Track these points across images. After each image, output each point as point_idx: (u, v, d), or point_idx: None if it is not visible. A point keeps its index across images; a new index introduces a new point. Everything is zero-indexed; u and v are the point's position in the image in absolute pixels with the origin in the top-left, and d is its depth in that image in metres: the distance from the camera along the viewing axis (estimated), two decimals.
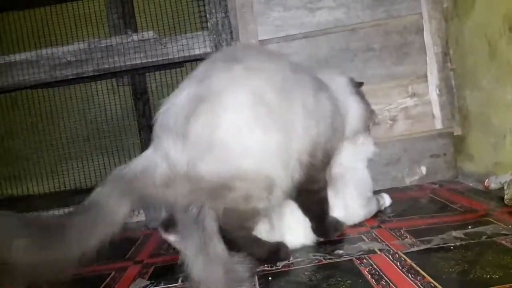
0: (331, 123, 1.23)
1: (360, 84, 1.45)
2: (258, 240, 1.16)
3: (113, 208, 0.99)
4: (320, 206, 1.27)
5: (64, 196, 2.47)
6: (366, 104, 1.42)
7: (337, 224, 1.31)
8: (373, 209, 1.44)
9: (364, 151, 1.45)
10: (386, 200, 1.53)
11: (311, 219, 1.26)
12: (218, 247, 1.03)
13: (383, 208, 1.51)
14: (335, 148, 1.29)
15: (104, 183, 1.03)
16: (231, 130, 1.02)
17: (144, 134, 2.71)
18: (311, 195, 1.24)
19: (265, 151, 1.05)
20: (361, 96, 1.42)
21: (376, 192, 1.53)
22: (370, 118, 1.44)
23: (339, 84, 1.35)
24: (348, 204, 1.36)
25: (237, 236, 1.11)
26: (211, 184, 1.02)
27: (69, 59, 1.94)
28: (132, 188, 1.02)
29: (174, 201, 1.05)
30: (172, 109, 1.05)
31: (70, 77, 1.98)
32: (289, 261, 1.15)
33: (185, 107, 1.03)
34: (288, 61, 1.24)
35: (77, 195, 2.49)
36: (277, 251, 1.16)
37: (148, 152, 1.06)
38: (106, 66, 1.94)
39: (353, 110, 1.35)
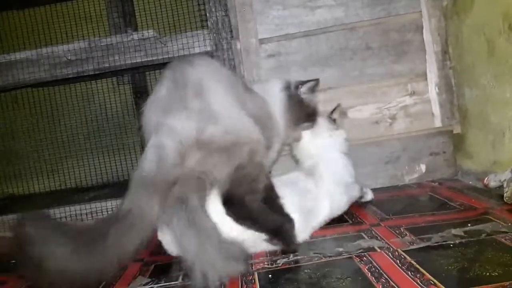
0: (258, 118, 1.30)
1: (302, 84, 1.47)
2: (267, 210, 1.20)
3: (146, 211, 1.04)
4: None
5: (65, 194, 2.48)
6: (295, 107, 1.46)
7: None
8: (354, 195, 1.50)
9: (333, 143, 1.51)
10: (369, 194, 1.59)
11: None
12: (207, 223, 1.11)
13: (363, 201, 1.57)
14: (270, 140, 1.37)
15: (129, 191, 1.06)
16: (222, 103, 1.17)
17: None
18: None
19: (247, 118, 1.21)
20: (291, 100, 1.45)
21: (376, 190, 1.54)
22: (296, 121, 1.47)
23: (268, 92, 1.45)
24: (329, 192, 1.39)
25: (247, 201, 1.17)
26: (222, 144, 1.12)
27: (69, 58, 1.94)
28: (156, 184, 1.07)
29: (191, 175, 1.11)
30: (159, 99, 1.18)
31: (71, 76, 1.98)
32: (291, 256, 1.16)
33: (171, 95, 1.16)
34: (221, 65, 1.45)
35: (77, 193, 2.50)
36: (284, 225, 1.20)
37: (151, 142, 1.12)
38: (107, 65, 1.94)
39: (278, 114, 1.43)
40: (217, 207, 1.17)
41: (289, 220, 1.21)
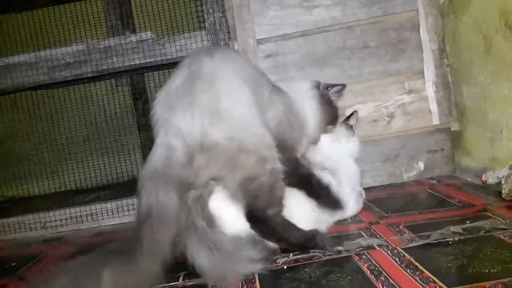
0: (285, 120, 1.32)
1: (331, 87, 1.48)
2: (292, 224, 1.18)
3: (166, 204, 1.04)
4: (302, 178, 1.32)
5: (65, 196, 2.49)
6: (325, 107, 1.46)
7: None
8: (361, 204, 1.49)
9: (349, 149, 1.51)
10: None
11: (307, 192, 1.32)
12: (219, 237, 1.08)
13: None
14: (297, 141, 1.37)
15: (142, 190, 1.06)
16: (232, 101, 1.12)
17: (144, 134, 2.73)
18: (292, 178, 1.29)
19: (260, 120, 1.17)
20: (322, 100, 1.45)
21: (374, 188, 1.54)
22: (327, 121, 1.48)
23: (298, 90, 1.44)
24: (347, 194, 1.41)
25: (270, 216, 1.14)
26: (227, 149, 1.09)
27: (68, 60, 1.94)
28: (168, 178, 1.06)
29: (200, 177, 1.10)
30: (170, 92, 1.14)
31: (69, 79, 1.99)
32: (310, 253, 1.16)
33: (182, 86, 1.12)
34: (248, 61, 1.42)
35: (77, 195, 2.51)
36: (314, 237, 1.18)
37: (160, 140, 1.10)
38: (105, 67, 1.94)
39: (309, 112, 1.42)
40: (221, 203, 1.16)
41: (317, 233, 1.20)
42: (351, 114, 1.57)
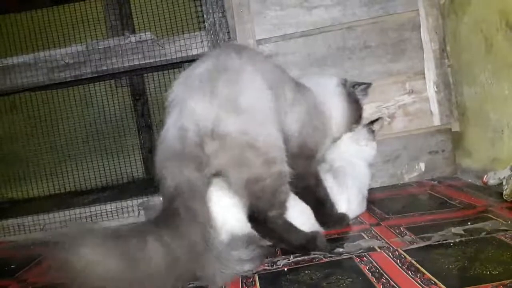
0: (309, 121, 1.30)
1: (358, 85, 1.47)
2: (293, 226, 1.18)
3: (194, 180, 1.03)
4: (315, 199, 1.31)
5: (64, 198, 2.48)
6: (352, 105, 1.45)
7: (340, 218, 1.34)
8: (364, 208, 1.47)
9: (365, 153, 1.51)
10: None
11: (312, 209, 1.31)
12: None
13: None
14: (319, 143, 1.37)
15: (164, 170, 1.05)
16: (253, 98, 1.13)
17: (143, 135, 2.72)
18: (305, 190, 1.29)
19: (275, 123, 1.16)
20: (349, 97, 1.44)
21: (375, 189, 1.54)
22: (353, 120, 1.47)
23: (324, 87, 1.43)
24: (348, 198, 1.39)
25: (271, 218, 1.13)
26: (237, 142, 1.08)
27: (67, 61, 1.93)
28: (188, 156, 1.05)
29: (212, 164, 1.09)
30: (192, 76, 1.14)
31: (69, 79, 1.98)
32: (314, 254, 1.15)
33: (207, 73, 1.13)
34: (279, 66, 1.38)
35: (77, 196, 2.50)
36: (315, 238, 1.18)
37: (171, 121, 1.10)
38: (105, 68, 1.93)
39: (335, 110, 1.41)
40: (221, 201, 1.16)
41: (318, 234, 1.19)
42: (377, 119, 1.57)
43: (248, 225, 1.16)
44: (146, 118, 2.75)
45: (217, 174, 1.12)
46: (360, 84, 1.48)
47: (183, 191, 1.02)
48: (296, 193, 1.27)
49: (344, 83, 1.46)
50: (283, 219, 1.17)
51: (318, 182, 1.33)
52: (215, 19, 1.87)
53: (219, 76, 1.11)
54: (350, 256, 1.11)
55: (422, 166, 1.82)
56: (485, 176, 1.50)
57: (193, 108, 1.08)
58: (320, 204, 1.31)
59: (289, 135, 1.26)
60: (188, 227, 0.98)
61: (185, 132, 1.07)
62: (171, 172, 1.05)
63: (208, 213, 1.04)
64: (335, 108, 1.42)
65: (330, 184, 1.37)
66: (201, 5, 1.91)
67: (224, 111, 1.08)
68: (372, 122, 1.56)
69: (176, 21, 2.33)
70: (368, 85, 1.50)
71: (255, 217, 1.14)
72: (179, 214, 0.99)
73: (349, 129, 1.49)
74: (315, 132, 1.33)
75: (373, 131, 1.53)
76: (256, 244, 1.15)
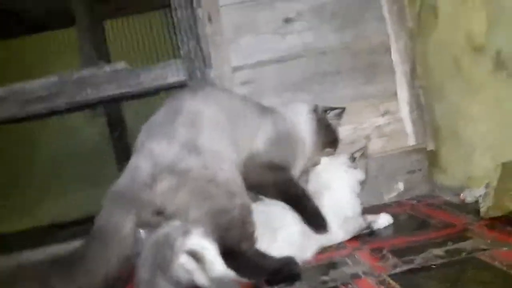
0: (276, 142, 1.38)
1: (331, 109, 1.53)
2: (264, 253, 1.18)
3: (118, 226, 1.05)
4: (294, 196, 1.37)
5: (40, 232, 2.40)
6: (322, 130, 1.51)
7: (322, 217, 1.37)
8: (352, 229, 1.45)
9: (346, 179, 1.50)
10: (379, 221, 1.50)
11: (295, 210, 1.35)
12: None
13: (375, 228, 1.48)
14: (289, 162, 1.43)
15: (103, 208, 1.08)
16: (211, 140, 1.18)
17: (122, 165, 2.68)
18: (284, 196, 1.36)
19: (233, 155, 1.23)
20: (319, 123, 1.50)
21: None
22: (324, 144, 1.52)
23: (295, 113, 1.51)
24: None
25: (244, 250, 1.13)
26: (199, 176, 1.11)
27: (40, 94, 1.90)
28: (128, 200, 1.07)
29: (164, 204, 1.10)
30: (152, 123, 1.22)
31: (43, 112, 1.94)
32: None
33: (164, 118, 1.20)
34: (240, 96, 1.51)
35: (54, 230, 2.42)
36: (289, 262, 1.18)
37: (130, 162, 1.14)
38: (79, 98, 1.91)
39: (305, 134, 1.48)
40: (202, 242, 1.13)
41: (292, 260, 1.19)
42: (360, 148, 1.58)
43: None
44: (124, 146, 2.71)
45: (169, 217, 1.12)
46: (333, 109, 1.53)
47: (102, 235, 1.04)
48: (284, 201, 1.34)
49: (315, 109, 1.52)
50: (255, 249, 1.17)
51: (292, 183, 1.38)
52: (190, 47, 1.88)
53: (176, 119, 1.17)
54: (335, 284, 1.10)
55: (401, 185, 1.84)
56: (462, 193, 1.53)
57: (151, 148, 1.12)
58: (300, 200, 1.36)
59: (256, 154, 1.34)
60: (83, 278, 1.00)
61: (138, 171, 1.09)
62: (105, 211, 1.07)
63: (116, 263, 1.03)
64: (305, 132, 1.48)
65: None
66: (175, 34, 1.92)
67: (185, 151, 1.12)
68: (356, 151, 1.57)
69: (150, 50, 2.33)
70: (342, 109, 1.55)
71: (228, 253, 1.11)
72: (84, 263, 1.01)
73: (323, 153, 1.52)
74: (282, 152, 1.39)
75: (354, 158, 1.54)
76: None
